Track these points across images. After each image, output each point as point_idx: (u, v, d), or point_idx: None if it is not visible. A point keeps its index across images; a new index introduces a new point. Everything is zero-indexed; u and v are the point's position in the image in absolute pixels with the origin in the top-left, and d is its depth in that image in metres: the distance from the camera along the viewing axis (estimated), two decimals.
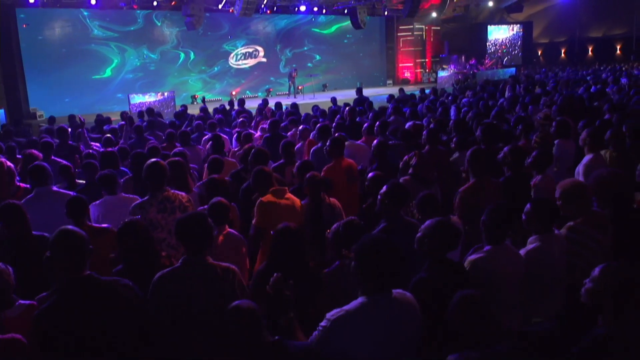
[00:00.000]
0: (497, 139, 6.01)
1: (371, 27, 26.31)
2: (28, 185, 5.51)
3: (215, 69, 23.07)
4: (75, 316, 2.51)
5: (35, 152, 6.66)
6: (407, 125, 7.69)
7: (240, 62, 23.79)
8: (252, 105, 14.17)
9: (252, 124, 10.03)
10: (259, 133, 8.69)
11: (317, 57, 26.10)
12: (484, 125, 5.92)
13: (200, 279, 2.87)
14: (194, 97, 21.92)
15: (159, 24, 21.23)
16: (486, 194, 4.34)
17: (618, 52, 32.77)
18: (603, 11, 31.67)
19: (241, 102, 11.98)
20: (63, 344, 2.52)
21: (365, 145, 6.56)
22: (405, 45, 28.71)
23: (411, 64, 28.94)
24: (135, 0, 19.03)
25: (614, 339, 2.29)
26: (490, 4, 28.95)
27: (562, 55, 35.18)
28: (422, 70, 29.03)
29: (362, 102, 11.80)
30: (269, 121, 8.17)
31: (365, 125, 7.35)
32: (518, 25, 32.79)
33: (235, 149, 7.48)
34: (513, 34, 32.49)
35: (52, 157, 6.42)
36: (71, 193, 4.56)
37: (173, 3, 19.92)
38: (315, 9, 23.47)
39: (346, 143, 6.42)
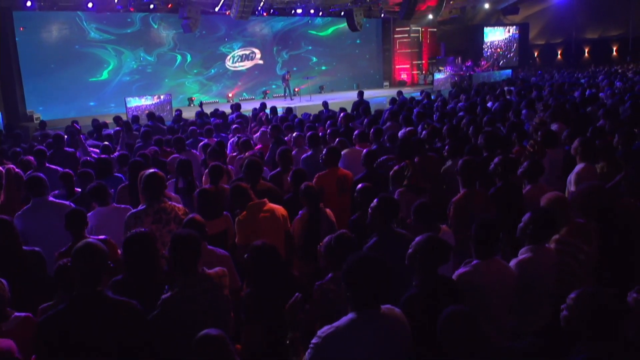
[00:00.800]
0: (498, 146, 6.06)
1: (368, 29, 26.37)
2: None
3: (212, 71, 23.09)
4: (80, 328, 2.57)
5: (31, 158, 6.72)
6: (400, 133, 7.74)
7: (237, 64, 23.82)
8: (248, 107, 14.18)
9: (248, 129, 10.06)
10: (256, 139, 8.73)
11: (314, 59, 26.15)
12: (486, 134, 5.97)
13: (200, 294, 2.98)
14: (190, 100, 21.94)
15: (156, 27, 21.24)
16: (477, 203, 4.40)
17: (614, 53, 32.88)
18: (599, 12, 31.76)
19: (236, 107, 12.00)
20: (63, 352, 2.58)
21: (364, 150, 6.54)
22: (402, 47, 28.76)
23: (408, 66, 28.98)
24: (132, 3, 19.01)
25: None
26: (487, 5, 29.02)
27: (559, 56, 35.30)
28: (418, 72, 29.08)
29: (357, 106, 11.81)
30: (269, 127, 8.19)
31: (356, 132, 7.37)
32: (514, 27, 32.87)
33: (234, 154, 7.51)
34: (509, 36, 32.56)
35: (47, 165, 6.47)
36: (67, 203, 4.60)
37: (169, 6, 19.93)
38: (312, 11, 23.50)
39: (345, 150, 6.49)
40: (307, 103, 19.88)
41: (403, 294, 3.09)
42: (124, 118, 13.58)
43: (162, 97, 16.78)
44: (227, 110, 13.60)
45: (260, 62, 24.49)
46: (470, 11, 29.60)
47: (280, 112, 11.93)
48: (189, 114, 13.95)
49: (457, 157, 6.21)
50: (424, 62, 29.28)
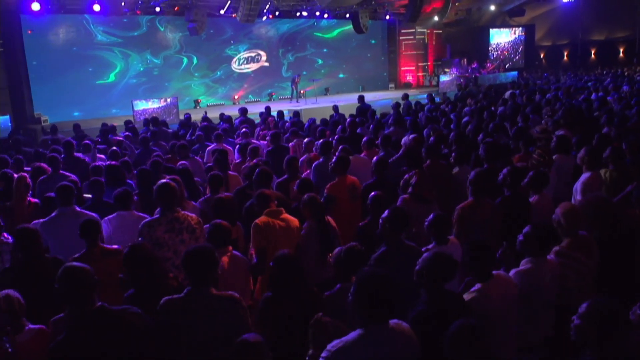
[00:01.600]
0: (499, 156, 6.09)
1: (373, 31, 26.38)
2: (37, 200, 5.64)
3: (218, 73, 23.17)
4: (88, 348, 2.63)
5: (44, 165, 6.79)
6: (403, 140, 7.76)
7: (242, 67, 23.89)
8: (255, 110, 14.23)
9: (255, 134, 10.11)
10: (264, 145, 8.79)
11: (320, 61, 26.20)
12: (486, 144, 6.00)
13: (203, 311, 2.98)
14: (196, 102, 22.04)
15: (162, 29, 21.35)
16: (483, 212, 4.44)
17: (621, 54, 32.76)
18: (606, 14, 31.65)
19: (243, 111, 12.03)
20: None
21: (368, 159, 6.60)
22: (407, 49, 28.76)
23: (413, 68, 28.98)
24: (139, 6, 19.13)
25: None
26: (492, 7, 28.95)
27: (565, 58, 35.20)
28: (424, 73, 29.08)
29: (364, 111, 11.84)
30: (270, 132, 8.26)
31: (365, 138, 7.42)
32: (520, 29, 32.80)
33: (238, 161, 7.56)
34: (515, 37, 32.51)
35: (61, 172, 6.54)
36: (92, 214, 4.66)
37: (176, 9, 20.02)
38: (318, 13, 23.54)
39: (351, 157, 6.53)
40: (313, 105, 19.92)
41: (410, 306, 3.14)
42: (132, 121, 13.74)
43: (168, 100, 16.86)
44: (234, 112, 13.70)
45: (266, 64, 24.56)
46: (475, 13, 29.54)
47: (286, 114, 11.98)
48: (196, 116, 14.00)
49: (464, 164, 6.27)
50: (429, 64, 29.28)
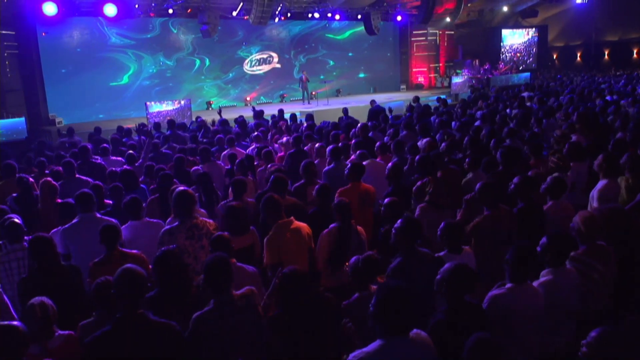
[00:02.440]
0: (517, 162, 6.08)
1: (385, 32, 26.37)
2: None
3: (230, 75, 23.30)
4: (125, 349, 2.70)
5: (61, 169, 6.90)
6: (420, 144, 7.76)
7: (254, 68, 24.00)
8: (269, 111, 14.27)
9: (268, 137, 10.15)
10: (278, 148, 8.82)
11: (331, 62, 26.25)
12: (503, 149, 5.99)
13: (230, 316, 3.10)
14: (209, 103, 22.17)
15: (175, 31, 21.50)
16: (503, 224, 4.42)
17: (635, 55, 32.53)
18: (619, 14, 31.43)
19: (259, 114, 12.06)
20: None
21: (384, 164, 6.54)
22: (419, 50, 28.72)
23: (425, 69, 28.93)
24: (152, 8, 19.29)
25: None
26: (505, 8, 28.84)
27: (578, 59, 35.00)
28: (435, 75, 29.02)
29: (377, 114, 11.84)
30: (291, 137, 8.27)
31: (378, 143, 7.43)
32: (533, 29, 32.64)
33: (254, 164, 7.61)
34: (528, 39, 32.36)
35: (77, 175, 6.63)
36: (112, 219, 4.73)
37: (189, 11, 20.16)
38: (329, 14, 23.59)
39: (367, 162, 6.56)
40: (325, 107, 19.96)
41: (428, 313, 3.17)
42: (146, 123, 13.83)
43: (182, 102, 16.96)
44: (247, 113, 13.76)
45: (278, 65, 24.65)
46: (488, 14, 29.44)
47: (298, 117, 12.00)
48: (208, 118, 14.07)
49: (479, 169, 6.27)
50: (441, 65, 29.21)
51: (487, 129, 8.23)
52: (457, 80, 23.91)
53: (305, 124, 10.73)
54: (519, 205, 4.70)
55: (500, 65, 28.57)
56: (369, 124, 9.61)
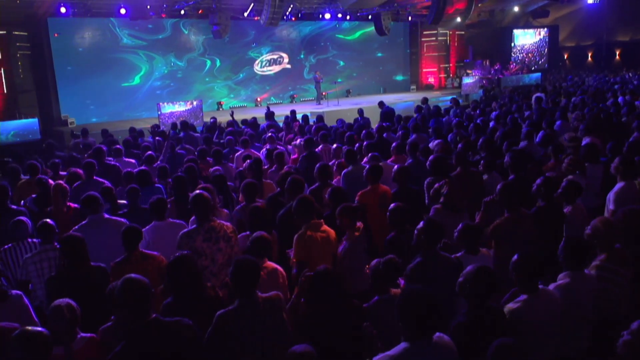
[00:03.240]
0: (526, 165, 6.05)
1: (395, 33, 26.33)
2: (77, 205, 5.79)
3: (241, 75, 23.36)
4: (146, 354, 2.73)
5: (79, 171, 6.95)
6: (432, 145, 7.76)
7: (265, 69, 24.05)
8: (277, 112, 14.33)
9: (282, 138, 10.18)
10: (292, 150, 8.84)
11: (341, 62, 26.25)
12: (513, 153, 5.97)
13: (255, 318, 3.12)
14: (219, 104, 22.25)
15: (186, 32, 21.59)
16: (523, 228, 4.41)
17: None
18: (630, 15, 31.21)
19: (270, 115, 12.10)
20: None
21: (394, 166, 6.60)
22: (429, 51, 28.68)
23: (435, 69, 28.89)
24: (164, 9, 19.39)
25: None
26: (516, 8, 28.69)
27: (589, 59, 34.77)
28: (446, 75, 28.96)
29: (389, 116, 11.85)
30: (303, 138, 8.29)
31: (394, 144, 7.45)
32: (544, 29, 32.48)
33: (265, 167, 7.63)
34: (539, 39, 32.20)
35: (95, 178, 6.69)
36: (122, 220, 4.79)
37: (200, 12, 20.26)
38: (340, 15, 23.60)
39: (381, 164, 6.57)
40: (335, 107, 19.98)
41: (447, 316, 3.18)
42: (159, 124, 13.91)
43: (194, 103, 17.05)
44: (258, 114, 13.80)
45: (288, 66, 24.70)
46: (499, 14, 29.31)
47: (310, 118, 12.01)
48: (221, 119, 14.12)
49: (494, 171, 6.26)
50: (451, 65, 29.15)
51: (501, 131, 8.21)
52: (467, 80, 23.84)
53: (314, 126, 10.75)
54: (539, 204, 4.68)
55: (511, 66, 28.44)
56: (385, 124, 9.63)
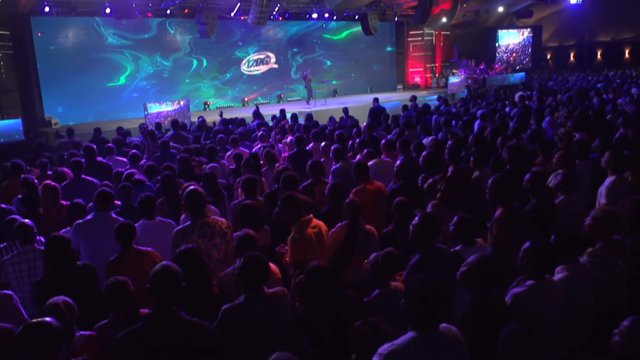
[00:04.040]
0: (524, 160, 6.10)
1: (381, 33, 26.43)
2: (68, 202, 5.70)
3: (228, 75, 23.27)
4: (156, 344, 2.70)
5: (66, 170, 6.86)
6: (425, 141, 7.81)
7: (252, 69, 23.99)
8: (265, 112, 14.29)
9: (271, 137, 10.16)
10: (282, 148, 8.82)
11: (328, 62, 26.28)
12: (510, 147, 6.02)
13: (261, 313, 3.11)
14: (206, 104, 22.14)
15: (172, 32, 21.46)
16: (518, 221, 4.44)
17: (627, 56, 32.77)
18: (612, 15, 31.69)
19: (257, 114, 12.06)
20: None
21: (392, 162, 6.60)
22: (415, 50, 28.83)
23: (421, 69, 29.05)
24: (149, 8, 19.23)
25: None
26: (500, 9, 28.97)
27: (572, 59, 35.21)
28: (432, 75, 29.13)
29: (378, 113, 11.88)
30: (294, 137, 8.28)
31: (384, 141, 7.46)
32: (528, 30, 32.83)
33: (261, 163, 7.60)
34: (523, 39, 32.54)
35: (83, 176, 6.60)
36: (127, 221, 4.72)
37: (186, 11, 20.15)
38: (327, 15, 23.62)
39: (373, 161, 6.58)
40: (323, 107, 19.99)
41: (450, 309, 3.19)
42: (145, 124, 13.79)
43: (181, 102, 16.92)
44: (245, 114, 13.74)
45: (275, 66, 24.66)
46: (483, 14, 29.57)
47: (300, 119, 12.01)
48: (208, 119, 14.05)
49: (484, 167, 6.30)
50: (437, 65, 29.33)
51: (490, 128, 8.28)
52: (453, 80, 24.00)
53: (304, 124, 10.74)
54: (532, 202, 4.72)
55: (496, 65, 28.70)
56: (374, 123, 9.66)
